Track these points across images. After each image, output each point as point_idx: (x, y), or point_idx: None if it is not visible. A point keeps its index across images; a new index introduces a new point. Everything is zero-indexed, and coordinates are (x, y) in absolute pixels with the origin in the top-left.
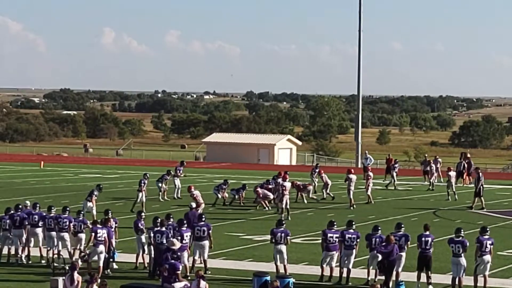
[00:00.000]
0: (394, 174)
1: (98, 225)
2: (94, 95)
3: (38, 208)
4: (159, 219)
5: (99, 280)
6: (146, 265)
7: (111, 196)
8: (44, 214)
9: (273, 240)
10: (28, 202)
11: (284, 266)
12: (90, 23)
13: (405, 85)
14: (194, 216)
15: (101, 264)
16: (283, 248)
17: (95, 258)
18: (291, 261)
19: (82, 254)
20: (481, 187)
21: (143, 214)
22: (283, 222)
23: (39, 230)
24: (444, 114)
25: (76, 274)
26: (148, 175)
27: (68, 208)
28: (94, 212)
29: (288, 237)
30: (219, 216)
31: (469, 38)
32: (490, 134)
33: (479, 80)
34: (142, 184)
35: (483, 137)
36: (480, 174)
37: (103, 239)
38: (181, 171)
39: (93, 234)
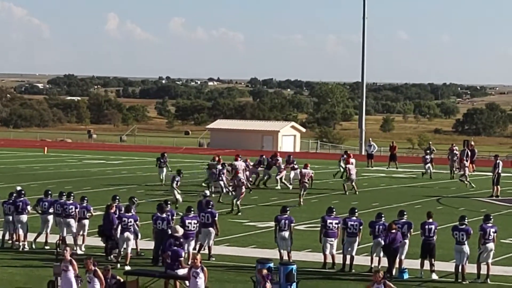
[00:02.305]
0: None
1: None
2: (98, 81)
3: (50, 195)
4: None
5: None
6: (138, 250)
7: (115, 183)
8: (54, 200)
9: (277, 227)
10: (18, 187)
11: (288, 253)
12: (94, 9)
13: (409, 72)
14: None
15: (129, 251)
16: (287, 234)
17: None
18: (294, 248)
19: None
20: (497, 174)
21: (135, 199)
22: (287, 209)
23: (50, 217)
24: (448, 101)
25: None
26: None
27: (72, 194)
28: (179, 198)
29: (292, 224)
30: (223, 203)
31: (474, 27)
32: (494, 122)
33: (483, 68)
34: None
35: (487, 125)
36: (498, 161)
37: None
38: (165, 162)
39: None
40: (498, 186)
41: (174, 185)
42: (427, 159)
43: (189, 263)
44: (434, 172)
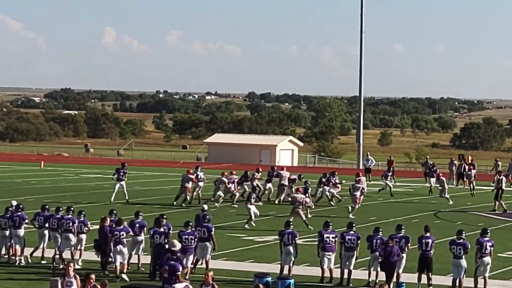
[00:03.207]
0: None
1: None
2: (95, 95)
3: (47, 210)
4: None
5: (92, 281)
6: (140, 265)
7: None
8: (51, 214)
9: (281, 242)
10: (14, 202)
11: (290, 267)
12: (91, 23)
13: (406, 86)
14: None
15: (124, 262)
16: (291, 249)
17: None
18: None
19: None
20: (501, 190)
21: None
22: (291, 223)
23: (47, 232)
24: (445, 116)
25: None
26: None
27: (72, 208)
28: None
29: (296, 238)
30: (220, 217)
31: (471, 40)
32: (491, 136)
33: (480, 82)
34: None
35: (484, 139)
36: (502, 177)
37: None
38: (122, 174)
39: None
40: (501, 201)
41: (252, 201)
42: (432, 174)
43: (187, 277)
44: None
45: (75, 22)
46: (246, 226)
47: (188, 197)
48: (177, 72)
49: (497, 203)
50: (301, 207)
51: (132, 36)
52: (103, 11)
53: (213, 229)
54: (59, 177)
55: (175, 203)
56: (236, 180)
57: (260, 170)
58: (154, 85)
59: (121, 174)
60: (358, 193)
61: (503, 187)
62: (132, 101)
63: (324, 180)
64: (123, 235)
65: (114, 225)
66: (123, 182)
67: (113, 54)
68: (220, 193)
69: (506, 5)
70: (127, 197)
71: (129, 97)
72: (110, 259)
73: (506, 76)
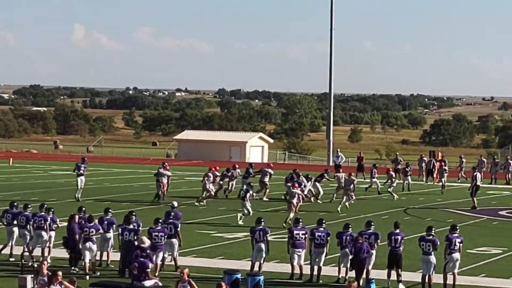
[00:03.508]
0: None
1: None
2: (64, 91)
3: (15, 207)
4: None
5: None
6: (109, 262)
7: (82, 194)
8: (19, 211)
9: (253, 238)
10: None
11: (260, 264)
12: (60, 19)
13: (376, 83)
14: (175, 216)
15: (92, 260)
16: (263, 246)
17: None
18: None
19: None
20: (476, 186)
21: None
22: (262, 220)
23: (15, 229)
24: (415, 112)
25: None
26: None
27: (45, 206)
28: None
29: (267, 235)
30: (190, 213)
31: (441, 38)
32: (461, 133)
33: (450, 79)
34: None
35: (454, 136)
36: (477, 174)
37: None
38: (83, 169)
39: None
40: (474, 198)
41: (247, 197)
42: (407, 172)
43: (156, 274)
44: (400, 182)
45: (44, 18)
46: (240, 222)
47: (160, 193)
48: (147, 69)
49: (475, 200)
50: (295, 202)
51: (101, 33)
52: (72, 7)
53: (179, 225)
54: (28, 174)
55: (157, 199)
56: (217, 178)
57: (237, 166)
58: (124, 82)
59: (82, 169)
60: (351, 186)
61: (478, 184)
62: (101, 97)
63: (293, 177)
64: (92, 232)
65: (84, 222)
66: (83, 177)
67: (83, 50)
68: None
69: (475, 3)
70: (79, 195)
71: (99, 94)
72: (79, 256)
73: (476, 73)
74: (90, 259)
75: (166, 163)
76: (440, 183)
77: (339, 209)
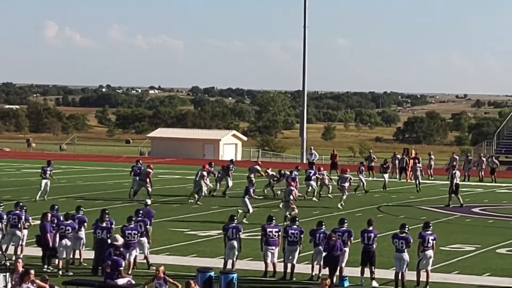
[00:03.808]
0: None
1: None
2: (37, 89)
3: None
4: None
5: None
6: (81, 260)
7: (55, 192)
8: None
9: (225, 236)
10: None
11: (233, 261)
12: (32, 17)
13: (350, 81)
14: (148, 214)
15: (68, 258)
16: (235, 243)
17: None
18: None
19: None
20: (455, 184)
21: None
22: (235, 217)
23: None
24: (388, 110)
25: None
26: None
27: (21, 204)
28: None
29: (240, 233)
30: (163, 211)
31: (414, 35)
32: (434, 130)
33: (423, 77)
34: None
35: (427, 133)
36: (455, 171)
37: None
38: (49, 172)
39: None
40: (458, 196)
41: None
42: (385, 169)
43: (130, 272)
44: (374, 180)
45: (16, 15)
46: (245, 220)
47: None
48: (120, 67)
49: (459, 197)
50: (291, 201)
51: (74, 30)
52: (44, 4)
53: (149, 223)
54: (0, 172)
55: (134, 198)
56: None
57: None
58: (97, 80)
59: (48, 172)
60: (346, 184)
61: (457, 182)
62: (74, 95)
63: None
64: (69, 229)
65: (57, 220)
66: (48, 181)
67: (55, 48)
68: (210, 185)
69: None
70: (45, 197)
71: (72, 92)
72: (54, 254)
73: (449, 71)
74: (64, 256)
75: (138, 161)
76: (414, 181)
77: (339, 205)
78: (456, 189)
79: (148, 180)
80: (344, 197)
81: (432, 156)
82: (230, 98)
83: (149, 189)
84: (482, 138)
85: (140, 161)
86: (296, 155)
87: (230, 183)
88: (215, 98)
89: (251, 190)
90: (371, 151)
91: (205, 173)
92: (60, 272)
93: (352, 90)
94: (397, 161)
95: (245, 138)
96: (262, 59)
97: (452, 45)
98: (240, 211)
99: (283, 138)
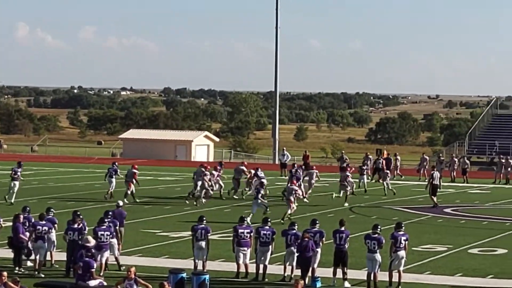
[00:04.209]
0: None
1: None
2: (8, 90)
3: None
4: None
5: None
6: (53, 262)
7: (27, 193)
8: None
9: (194, 237)
10: None
11: (203, 262)
12: (3, 18)
13: (322, 82)
14: (120, 215)
15: (41, 258)
16: (204, 244)
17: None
18: (207, 257)
19: None
20: (434, 185)
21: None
22: (204, 218)
23: None
24: (360, 110)
25: None
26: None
27: None
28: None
29: (209, 234)
30: (135, 213)
31: (386, 36)
32: (406, 130)
33: (395, 78)
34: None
35: (399, 134)
36: (435, 172)
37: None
38: (19, 173)
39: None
40: (433, 197)
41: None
42: (363, 170)
43: (101, 274)
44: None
45: None
46: (282, 221)
47: (129, 192)
48: (92, 68)
49: (434, 198)
50: (293, 198)
51: (45, 31)
52: (15, 5)
53: (118, 224)
54: None
55: (125, 200)
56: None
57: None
58: (68, 81)
59: (18, 173)
60: (313, 181)
61: (436, 182)
62: (46, 96)
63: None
64: (45, 229)
65: (29, 222)
66: (17, 182)
67: (27, 49)
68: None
69: (420, 2)
70: (12, 200)
71: (43, 93)
72: (29, 254)
73: (421, 72)
74: (38, 257)
75: (114, 163)
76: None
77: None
78: (434, 190)
79: (134, 180)
80: (347, 193)
81: (398, 157)
82: (202, 99)
83: (132, 190)
84: (454, 138)
85: (116, 163)
86: (268, 156)
87: (222, 184)
88: (187, 99)
89: (262, 192)
90: (343, 152)
91: (215, 173)
92: (36, 273)
93: (324, 91)
94: (369, 162)
95: (217, 139)
96: (234, 60)
97: (424, 46)
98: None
99: (256, 139)
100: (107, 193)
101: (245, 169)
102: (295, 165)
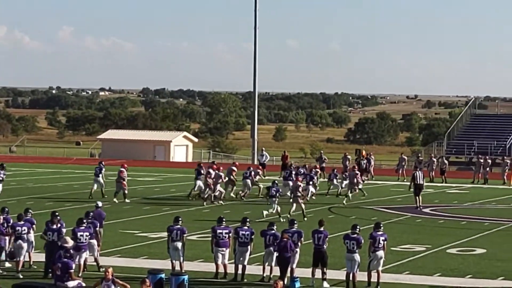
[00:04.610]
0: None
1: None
2: None
3: None
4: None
5: None
6: (31, 263)
7: (5, 194)
8: None
9: (170, 237)
10: None
11: (180, 263)
12: None
13: (301, 82)
14: (99, 216)
15: (21, 258)
16: (179, 245)
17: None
18: (186, 258)
19: None
20: (415, 185)
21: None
22: (180, 219)
23: None
24: (339, 111)
25: None
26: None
27: None
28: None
29: (184, 235)
30: (114, 213)
31: (364, 36)
32: (385, 131)
33: (374, 78)
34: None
35: (378, 134)
36: (418, 172)
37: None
38: (2, 176)
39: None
40: (418, 197)
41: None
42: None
43: (80, 275)
44: (326, 180)
45: None
46: (281, 219)
47: (124, 192)
48: (70, 68)
49: (418, 198)
50: (300, 195)
51: (23, 32)
52: None
53: (98, 225)
54: None
55: (115, 200)
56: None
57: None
58: (46, 81)
59: (1, 175)
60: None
61: (420, 182)
62: (24, 97)
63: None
64: (24, 230)
65: (7, 223)
66: (0, 185)
67: (4, 49)
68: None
69: (398, 2)
70: None
71: (21, 93)
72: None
73: (399, 72)
74: (18, 258)
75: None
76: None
77: (345, 201)
78: (419, 190)
79: (122, 180)
80: (353, 192)
81: (372, 157)
82: (181, 100)
83: (125, 190)
84: (432, 138)
85: (103, 163)
86: (247, 156)
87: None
88: (165, 100)
89: (280, 191)
90: (322, 152)
91: (234, 168)
92: (20, 275)
93: (303, 91)
94: (348, 162)
95: (196, 140)
96: (213, 61)
97: (402, 46)
98: (266, 212)
99: (234, 139)
100: (91, 193)
101: (235, 169)
102: (293, 165)
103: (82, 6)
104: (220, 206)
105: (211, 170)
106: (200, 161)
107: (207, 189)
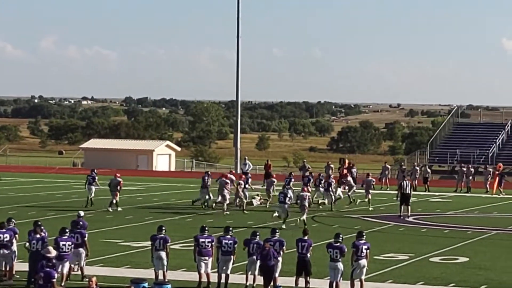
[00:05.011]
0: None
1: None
2: None
3: None
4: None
5: None
6: (14, 272)
7: None
8: None
9: (153, 247)
10: None
11: (164, 272)
12: None
13: (284, 91)
14: (83, 225)
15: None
16: (163, 254)
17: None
18: (169, 267)
19: None
20: (402, 194)
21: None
22: (163, 228)
23: None
24: (322, 120)
25: None
26: None
27: None
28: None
29: (168, 244)
30: (96, 222)
31: (347, 45)
32: (368, 139)
33: (357, 87)
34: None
35: (361, 143)
36: (403, 182)
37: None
38: None
39: None
40: (407, 206)
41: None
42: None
43: (63, 284)
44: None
45: None
46: (284, 226)
47: (114, 201)
48: (53, 77)
49: (405, 207)
50: (307, 204)
51: (6, 41)
52: None
53: (87, 235)
54: None
55: (109, 208)
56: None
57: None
58: (29, 90)
59: None
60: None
61: (407, 192)
62: (6, 106)
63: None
64: (7, 238)
65: None
66: None
67: None
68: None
69: (379, 10)
70: None
71: (3, 103)
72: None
73: (382, 81)
74: (4, 265)
75: (93, 170)
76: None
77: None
78: (406, 199)
79: (119, 189)
80: (270, 199)
81: (354, 167)
82: (164, 109)
83: (117, 199)
84: (415, 147)
85: (95, 171)
86: (230, 165)
87: (210, 195)
88: (148, 109)
89: (291, 196)
90: (305, 161)
91: (228, 181)
92: (6, 280)
93: (286, 100)
94: (331, 171)
95: (178, 149)
96: (195, 70)
97: (383, 55)
98: (275, 214)
99: (217, 148)
100: (87, 201)
101: (233, 177)
102: (292, 174)
103: (65, 15)
104: (203, 215)
105: (233, 177)
106: (208, 170)
107: (237, 198)
